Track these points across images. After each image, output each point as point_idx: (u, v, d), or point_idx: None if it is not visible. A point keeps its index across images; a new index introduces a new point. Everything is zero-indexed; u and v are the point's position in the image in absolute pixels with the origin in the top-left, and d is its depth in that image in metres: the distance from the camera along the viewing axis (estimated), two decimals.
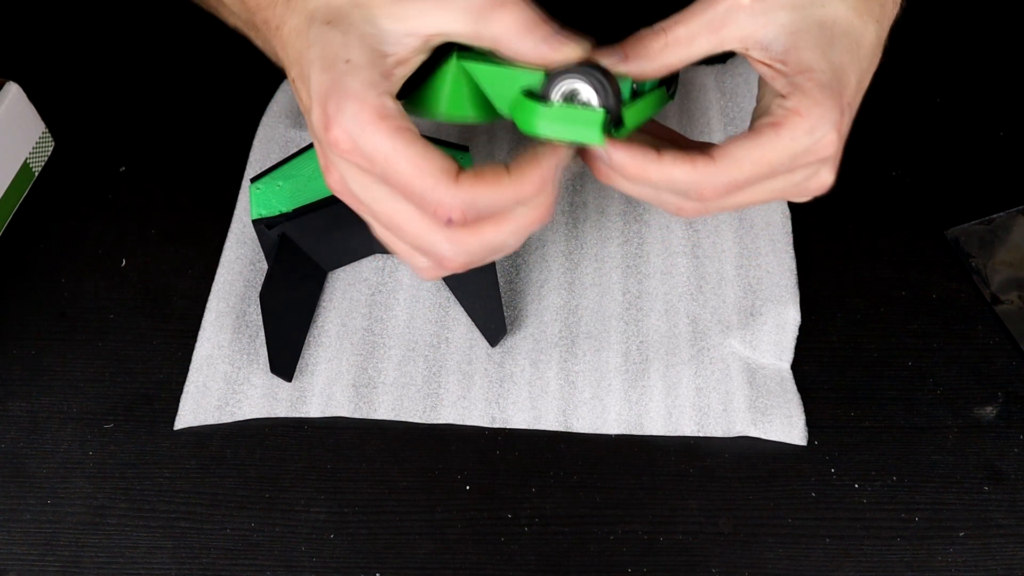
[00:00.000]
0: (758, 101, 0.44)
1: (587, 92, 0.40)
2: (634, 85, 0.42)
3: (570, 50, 0.39)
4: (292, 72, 0.41)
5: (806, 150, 0.40)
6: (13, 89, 0.60)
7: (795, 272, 0.55)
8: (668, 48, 0.41)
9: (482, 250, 0.40)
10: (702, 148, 0.42)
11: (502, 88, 0.42)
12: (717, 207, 0.42)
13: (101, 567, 0.48)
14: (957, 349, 0.53)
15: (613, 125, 0.40)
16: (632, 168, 0.41)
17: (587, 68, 0.39)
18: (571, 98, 0.40)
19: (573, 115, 0.40)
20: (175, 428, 0.52)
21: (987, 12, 0.69)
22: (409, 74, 0.40)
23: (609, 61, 0.41)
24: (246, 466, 0.51)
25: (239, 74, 0.65)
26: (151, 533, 0.49)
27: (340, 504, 0.49)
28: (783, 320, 0.54)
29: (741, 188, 0.41)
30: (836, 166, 0.42)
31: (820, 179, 0.43)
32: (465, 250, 0.40)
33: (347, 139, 0.37)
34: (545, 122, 0.40)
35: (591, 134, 0.40)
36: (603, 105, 0.39)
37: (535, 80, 0.40)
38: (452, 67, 0.42)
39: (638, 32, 0.42)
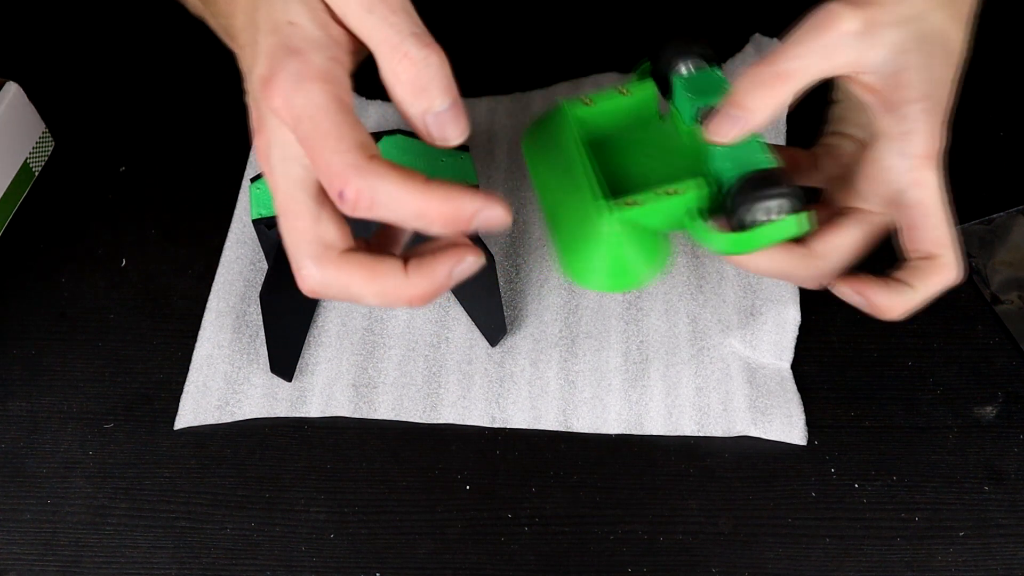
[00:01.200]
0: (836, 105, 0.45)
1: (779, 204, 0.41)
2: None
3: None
4: (241, 38, 0.39)
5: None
6: (13, 89, 0.60)
7: None
8: (782, 83, 0.40)
9: (338, 290, 0.38)
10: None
11: (664, 216, 0.42)
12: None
13: (101, 567, 0.48)
14: (957, 349, 0.53)
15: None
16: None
17: (775, 188, 0.40)
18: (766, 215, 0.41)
19: (776, 229, 0.41)
20: (175, 428, 0.52)
21: (987, 12, 0.69)
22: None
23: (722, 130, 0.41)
24: (246, 466, 0.51)
25: (239, 74, 0.65)
26: (151, 533, 0.49)
27: (340, 504, 0.49)
28: (783, 319, 0.54)
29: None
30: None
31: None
32: (323, 279, 0.38)
33: (282, 92, 0.35)
34: (755, 245, 0.41)
35: (792, 231, 0.41)
36: (796, 210, 0.41)
37: (693, 197, 0.41)
38: (607, 232, 0.41)
39: (751, 73, 0.40)
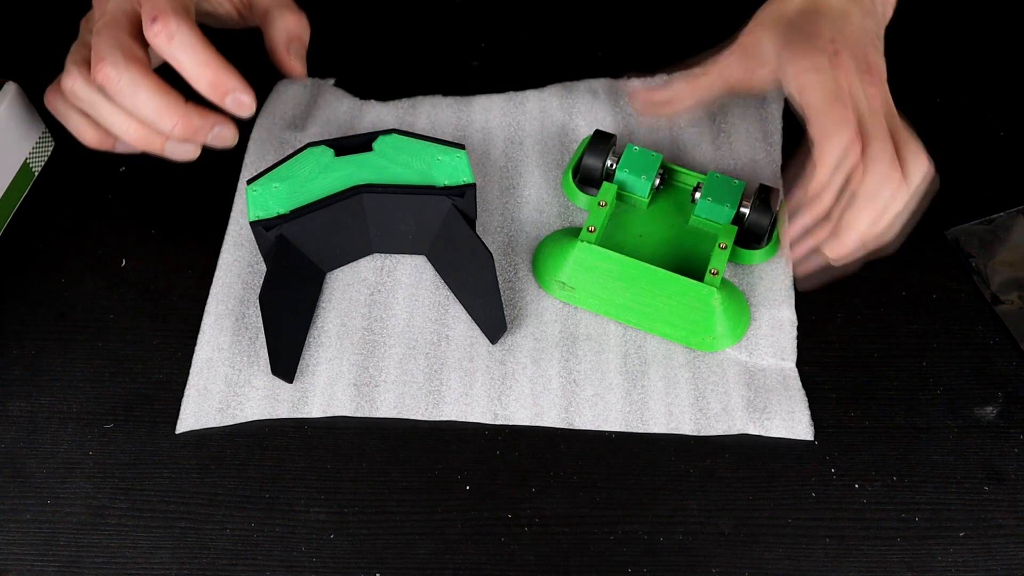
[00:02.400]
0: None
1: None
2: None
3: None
4: None
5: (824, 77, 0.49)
6: (13, 89, 0.60)
7: (791, 275, 0.55)
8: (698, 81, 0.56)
9: (128, 89, 0.48)
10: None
11: (725, 263, 0.54)
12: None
13: (101, 567, 0.48)
14: (957, 349, 0.53)
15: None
16: None
17: (768, 192, 0.55)
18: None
19: (782, 214, 0.54)
20: (177, 432, 0.52)
21: (987, 12, 0.69)
22: None
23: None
24: (246, 466, 0.51)
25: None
26: (151, 533, 0.49)
27: (340, 504, 0.49)
28: (778, 321, 0.54)
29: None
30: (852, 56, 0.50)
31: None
32: (123, 75, 0.48)
33: None
34: (781, 236, 0.55)
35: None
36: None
37: (732, 239, 0.54)
38: (717, 302, 0.52)
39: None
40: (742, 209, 0.55)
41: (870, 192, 0.47)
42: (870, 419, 0.51)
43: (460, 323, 0.55)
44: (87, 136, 0.53)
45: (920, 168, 0.48)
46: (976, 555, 0.47)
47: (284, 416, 0.52)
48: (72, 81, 0.50)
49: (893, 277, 0.56)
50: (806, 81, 0.49)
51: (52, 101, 0.53)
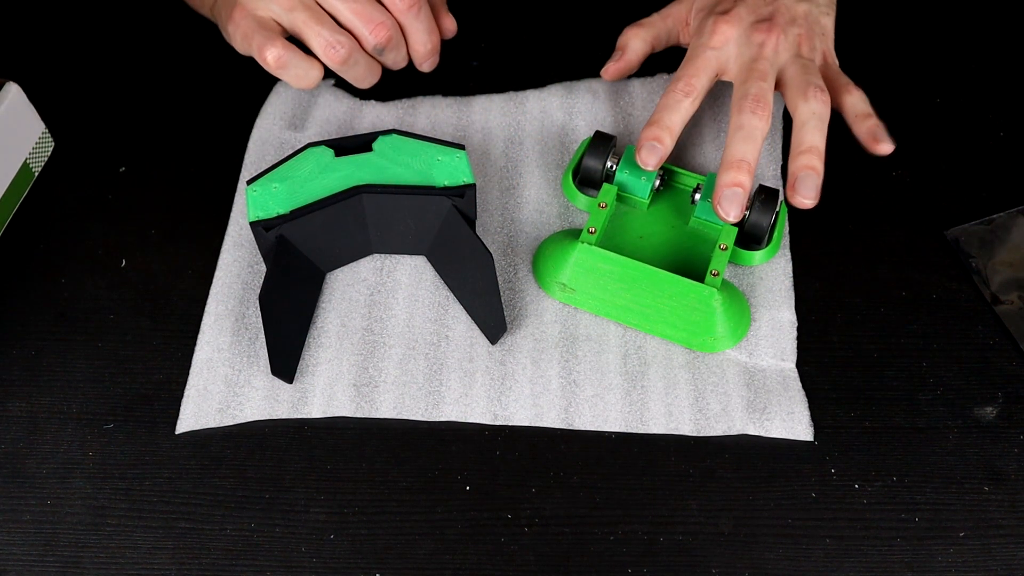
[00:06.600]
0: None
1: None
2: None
3: None
4: None
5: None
6: (13, 89, 0.60)
7: (791, 276, 0.56)
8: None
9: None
10: None
11: (725, 264, 0.54)
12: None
13: (101, 567, 0.48)
14: (957, 349, 0.54)
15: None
16: None
17: (771, 190, 0.56)
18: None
19: (783, 213, 0.57)
20: (177, 432, 0.52)
21: (987, 12, 0.69)
22: None
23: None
24: (246, 467, 0.51)
25: (238, 77, 0.65)
26: (151, 534, 0.49)
27: (340, 504, 0.49)
28: (778, 322, 0.54)
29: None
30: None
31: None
32: None
33: None
34: (781, 233, 0.57)
35: (784, 208, 0.58)
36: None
37: (733, 239, 0.54)
38: (718, 303, 0.52)
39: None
40: None
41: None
42: (870, 419, 0.51)
43: (460, 323, 0.55)
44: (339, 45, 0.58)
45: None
46: (976, 555, 0.47)
47: (284, 416, 0.52)
48: None
49: (893, 277, 0.56)
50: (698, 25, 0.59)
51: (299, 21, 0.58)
